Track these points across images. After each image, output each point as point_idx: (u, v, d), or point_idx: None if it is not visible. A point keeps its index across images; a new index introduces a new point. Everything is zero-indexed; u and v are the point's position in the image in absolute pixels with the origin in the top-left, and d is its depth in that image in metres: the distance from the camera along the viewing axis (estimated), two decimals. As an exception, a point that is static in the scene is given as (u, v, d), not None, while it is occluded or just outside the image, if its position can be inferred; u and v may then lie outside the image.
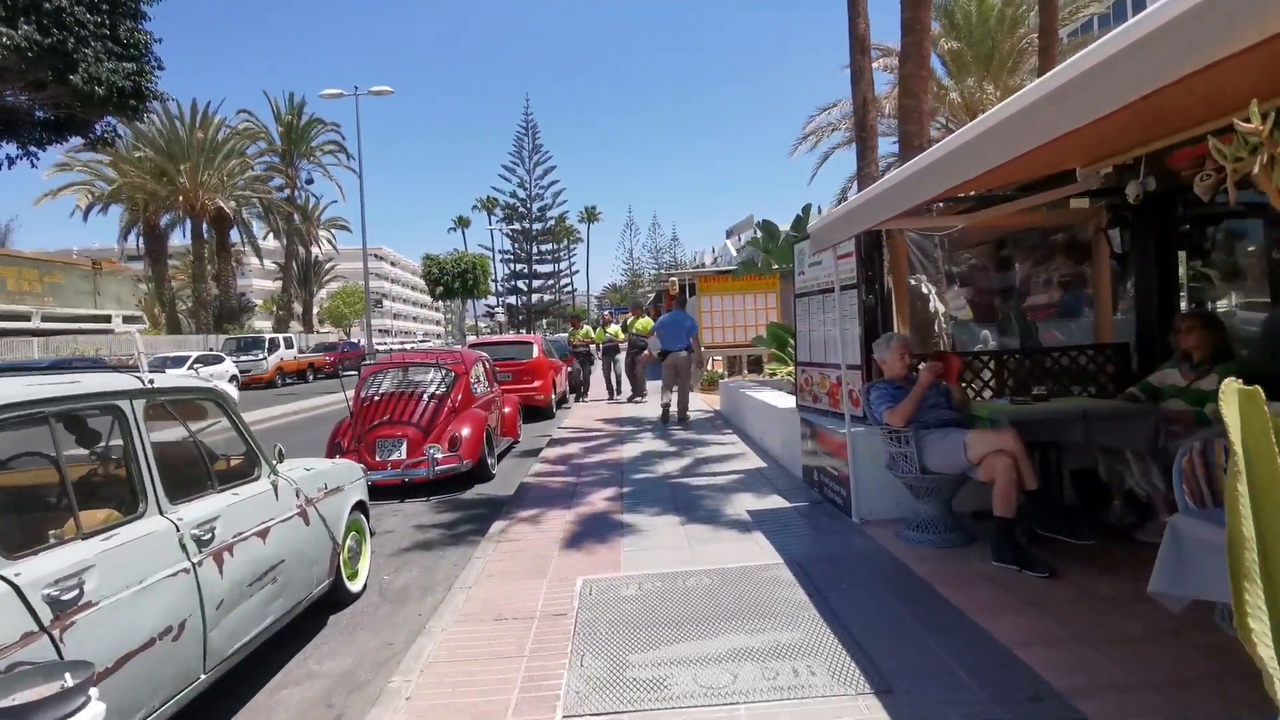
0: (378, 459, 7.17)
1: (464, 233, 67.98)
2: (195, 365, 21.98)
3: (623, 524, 5.30)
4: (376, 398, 7.69)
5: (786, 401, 7.49)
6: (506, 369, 12.69)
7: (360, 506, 4.55)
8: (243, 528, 3.11)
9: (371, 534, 4.76)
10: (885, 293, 5.45)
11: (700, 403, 13.30)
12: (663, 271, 49.51)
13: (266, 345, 26.85)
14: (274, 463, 3.57)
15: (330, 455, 7.31)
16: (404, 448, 7.23)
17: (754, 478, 6.64)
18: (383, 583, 4.74)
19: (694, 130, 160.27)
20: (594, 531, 5.14)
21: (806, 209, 10.08)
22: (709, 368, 16.49)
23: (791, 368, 8.63)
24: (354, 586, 4.33)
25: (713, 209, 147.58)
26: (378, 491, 7.14)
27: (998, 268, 6.27)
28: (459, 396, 7.83)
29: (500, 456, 8.93)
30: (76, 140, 14.50)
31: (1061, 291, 5.92)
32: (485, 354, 9.76)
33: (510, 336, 16.24)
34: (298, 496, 3.68)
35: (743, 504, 5.69)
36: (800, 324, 6.60)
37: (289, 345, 28.56)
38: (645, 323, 13.77)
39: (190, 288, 38.94)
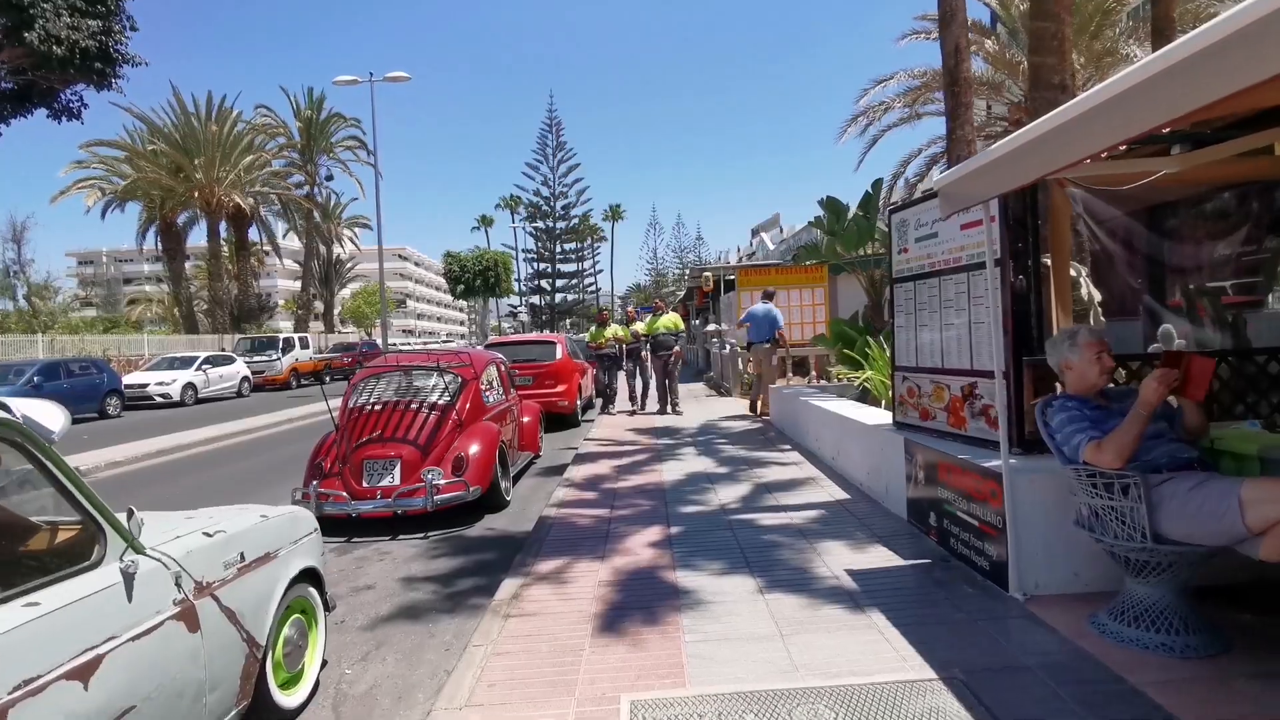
0: (365, 484, 5.82)
1: (487, 232, 67.11)
2: (204, 366, 21.00)
3: (678, 589, 3.86)
4: (367, 409, 6.34)
5: (874, 416, 6.00)
6: (527, 371, 11.37)
7: (309, 576, 3.17)
8: (36, 669, 1.74)
9: (330, 608, 3.38)
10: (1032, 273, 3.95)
11: (742, 410, 11.83)
12: (688, 271, 47.91)
13: (281, 345, 25.84)
14: (131, 535, 2.19)
15: (309, 479, 6.00)
16: (397, 471, 5.87)
17: (838, 515, 5.17)
18: (342, 680, 3.35)
19: (719, 127, 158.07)
20: (639, 601, 3.72)
21: (878, 184, 8.59)
22: (746, 369, 15.00)
23: (867, 373, 7.13)
24: (291, 699, 2.94)
25: (737, 208, 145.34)
26: (365, 525, 5.81)
27: (1167, 238, 4.73)
28: (466, 407, 6.46)
29: (518, 477, 7.55)
30: (85, 132, 13.24)
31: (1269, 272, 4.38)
32: (500, 355, 8.40)
33: (531, 335, 14.79)
34: (178, 586, 2.30)
35: (837, 557, 4.23)
36: (899, 317, 5.12)
37: (304, 345, 27.55)
38: (672, 319, 11.92)
39: (209, 287, 38.39)
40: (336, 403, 6.75)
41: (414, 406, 6.32)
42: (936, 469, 4.26)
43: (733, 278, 17.07)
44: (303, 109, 37.22)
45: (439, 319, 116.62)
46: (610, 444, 9.02)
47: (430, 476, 5.72)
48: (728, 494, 6.00)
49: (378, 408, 6.32)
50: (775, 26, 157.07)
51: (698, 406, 12.53)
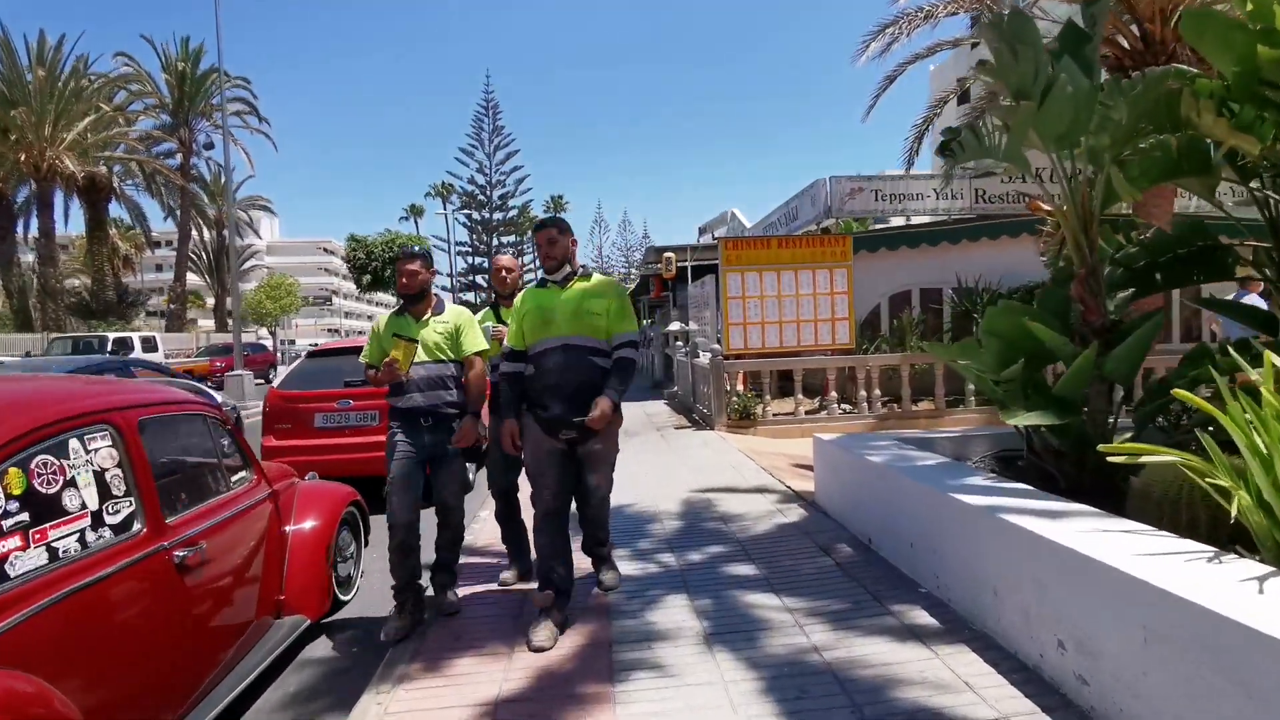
0: None
1: (417, 222, 60.84)
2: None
3: None
4: None
5: None
6: (369, 403, 6.32)
7: None
8: None
9: None
10: None
11: (746, 461, 6.93)
12: (634, 270, 42.71)
13: (111, 348, 19.82)
14: None
15: None
16: None
17: None
18: None
19: (666, 122, 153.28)
20: None
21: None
22: (737, 387, 10.10)
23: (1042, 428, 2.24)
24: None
25: (687, 207, 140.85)
26: None
27: None
28: None
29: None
30: None
31: None
32: (168, 394, 3.25)
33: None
34: None
35: None
36: None
37: (151, 348, 21.50)
38: (606, 298, 3.25)
39: (87, 275, 31.66)
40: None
41: None
42: None
43: (712, 261, 12.31)
44: (174, 61, 30.73)
45: (370, 317, 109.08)
46: (496, 587, 3.98)
47: None
48: None
49: None
50: (727, 22, 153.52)
51: (665, 449, 7.59)
